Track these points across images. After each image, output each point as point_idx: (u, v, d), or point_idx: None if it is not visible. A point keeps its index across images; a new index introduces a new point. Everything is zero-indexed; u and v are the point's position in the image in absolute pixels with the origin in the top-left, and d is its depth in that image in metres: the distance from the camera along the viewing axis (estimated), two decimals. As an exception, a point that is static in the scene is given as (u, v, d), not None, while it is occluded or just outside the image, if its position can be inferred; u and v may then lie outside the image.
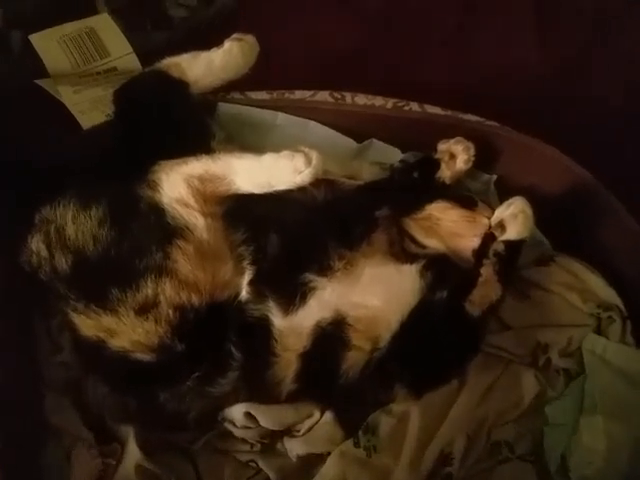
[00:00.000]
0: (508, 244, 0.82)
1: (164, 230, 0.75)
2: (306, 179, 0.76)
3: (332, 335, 0.77)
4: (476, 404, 0.85)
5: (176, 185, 0.76)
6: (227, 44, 0.87)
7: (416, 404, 0.83)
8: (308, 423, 0.82)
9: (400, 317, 0.78)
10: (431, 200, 0.91)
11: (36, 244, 0.77)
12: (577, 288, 0.93)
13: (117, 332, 0.73)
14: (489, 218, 0.88)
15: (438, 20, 1.28)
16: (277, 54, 1.11)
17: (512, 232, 0.82)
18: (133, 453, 0.77)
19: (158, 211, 0.76)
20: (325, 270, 0.79)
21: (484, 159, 0.96)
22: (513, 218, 0.82)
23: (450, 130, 0.97)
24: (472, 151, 0.93)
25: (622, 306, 0.91)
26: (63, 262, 0.74)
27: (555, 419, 0.86)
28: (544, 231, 0.97)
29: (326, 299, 0.78)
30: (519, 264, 0.89)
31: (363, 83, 1.04)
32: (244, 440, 0.83)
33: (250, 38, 0.88)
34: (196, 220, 0.75)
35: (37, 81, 0.92)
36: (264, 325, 0.77)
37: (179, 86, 0.86)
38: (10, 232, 0.80)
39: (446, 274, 0.81)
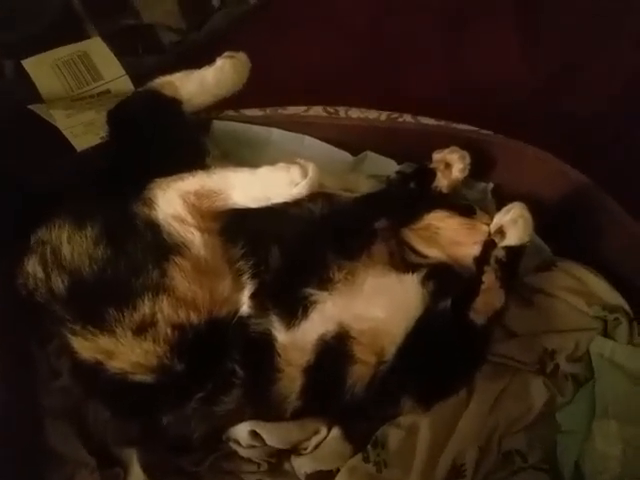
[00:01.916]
0: (509, 250, 0.81)
1: (160, 247, 0.74)
2: (303, 191, 0.75)
3: (336, 349, 0.76)
4: (486, 414, 0.83)
5: (172, 201, 0.76)
6: (219, 61, 0.88)
7: (425, 416, 0.82)
8: (315, 440, 0.81)
9: (404, 329, 0.77)
10: (429, 210, 0.91)
11: (32, 266, 0.76)
12: (581, 292, 0.92)
13: (115, 353, 0.72)
14: (488, 225, 0.88)
15: (423, 37, 1.30)
16: (268, 73, 1.11)
17: (512, 237, 0.81)
18: (137, 478, 0.76)
19: (154, 228, 0.75)
20: (326, 283, 0.78)
21: (480, 168, 0.96)
22: (513, 223, 0.82)
23: (444, 140, 0.97)
24: (467, 159, 0.93)
25: (627, 307, 0.90)
26: (59, 283, 0.73)
27: (567, 426, 0.85)
28: (544, 237, 0.97)
29: (328, 312, 0.77)
30: (521, 271, 0.88)
31: (354, 100, 1.04)
32: (250, 460, 0.81)
33: (242, 55, 0.89)
34: (193, 236, 0.74)
35: (31, 106, 0.92)
36: (267, 340, 0.75)
37: (172, 104, 0.86)
38: (6, 255, 0.79)
39: (448, 282, 0.80)
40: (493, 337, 0.85)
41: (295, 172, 0.74)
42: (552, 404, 0.86)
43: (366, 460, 0.80)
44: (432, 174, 0.94)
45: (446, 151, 0.94)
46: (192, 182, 0.77)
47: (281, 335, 0.76)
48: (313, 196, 0.97)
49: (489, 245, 0.83)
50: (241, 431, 0.79)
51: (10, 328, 0.81)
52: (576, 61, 1.27)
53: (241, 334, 0.75)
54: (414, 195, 0.94)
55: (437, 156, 0.94)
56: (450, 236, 0.89)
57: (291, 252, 0.81)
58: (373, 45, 1.28)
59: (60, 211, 0.78)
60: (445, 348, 0.76)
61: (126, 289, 0.72)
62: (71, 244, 0.74)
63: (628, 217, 0.91)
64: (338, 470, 0.80)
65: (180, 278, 0.73)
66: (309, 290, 0.77)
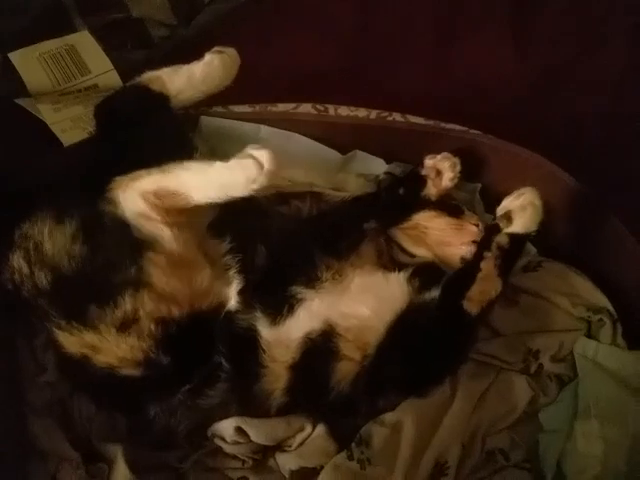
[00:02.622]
0: (513, 237, 0.78)
1: (133, 243, 0.73)
2: (263, 183, 0.71)
3: (322, 346, 0.76)
4: (469, 412, 0.84)
5: (133, 201, 0.74)
6: (208, 56, 0.87)
7: (409, 413, 0.82)
8: (300, 437, 0.81)
9: (387, 324, 0.77)
10: (418, 210, 0.91)
11: (17, 261, 0.75)
12: (566, 292, 0.92)
13: (101, 348, 0.71)
14: (477, 226, 0.89)
15: (413, 36, 1.30)
16: (257, 71, 1.11)
17: (519, 224, 0.79)
18: (122, 474, 0.75)
19: (124, 226, 0.74)
20: (313, 282, 0.79)
21: (468, 168, 0.96)
22: (522, 210, 0.79)
23: (433, 139, 0.98)
24: (458, 167, 0.93)
25: (612, 308, 0.90)
26: (43, 278, 0.73)
27: (549, 425, 0.85)
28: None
29: (315, 310, 0.77)
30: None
31: (344, 99, 1.03)
32: (235, 457, 0.81)
33: (231, 51, 0.88)
34: (162, 232, 0.74)
35: (17, 100, 0.91)
36: (252, 335, 0.76)
37: (160, 99, 0.85)
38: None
39: (435, 279, 0.80)
40: (478, 331, 0.85)
41: (250, 169, 0.70)
42: (535, 404, 0.87)
43: (350, 458, 0.80)
44: (422, 181, 0.93)
45: (438, 157, 0.93)
46: (149, 182, 0.75)
47: (265, 331, 0.76)
48: (301, 194, 0.98)
49: (492, 230, 0.81)
50: (226, 427, 0.79)
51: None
52: (567, 61, 1.27)
53: (228, 328, 0.75)
54: (403, 201, 0.94)
55: (429, 162, 0.94)
56: (438, 236, 0.89)
57: (278, 250, 0.81)
58: (361, 43, 1.27)
59: (44, 205, 0.77)
60: (430, 337, 0.76)
61: (106, 286, 0.72)
62: (52, 240, 0.74)
63: (615, 218, 0.92)
64: (322, 467, 0.80)
65: (157, 273, 0.72)
66: (296, 288, 0.78)
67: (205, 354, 0.74)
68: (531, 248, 0.97)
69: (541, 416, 0.86)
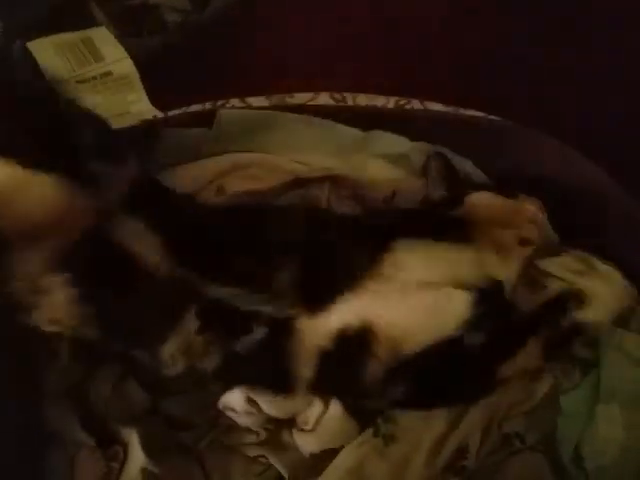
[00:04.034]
0: (579, 326, 0.75)
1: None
2: None
3: (355, 342, 0.73)
4: (494, 399, 0.82)
5: None
6: None
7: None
8: (313, 415, 0.80)
9: (429, 340, 0.73)
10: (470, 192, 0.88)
11: None
12: (592, 277, 0.88)
13: None
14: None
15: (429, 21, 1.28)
16: (273, 58, 1.11)
17: (596, 311, 0.75)
18: (138, 456, 0.76)
19: None
20: (354, 281, 0.74)
21: (488, 153, 0.96)
22: (605, 294, 0.76)
23: (454, 126, 0.97)
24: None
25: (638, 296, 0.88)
26: None
27: (570, 409, 0.84)
28: (553, 224, 0.94)
29: (355, 308, 0.74)
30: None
31: (362, 86, 1.03)
32: (249, 430, 0.81)
33: None
34: None
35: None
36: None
37: None
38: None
39: (495, 313, 0.76)
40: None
41: None
42: (556, 389, 0.85)
43: (375, 434, 0.79)
44: None
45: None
46: None
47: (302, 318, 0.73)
48: (319, 179, 0.97)
49: (555, 307, 0.77)
50: (237, 398, 0.79)
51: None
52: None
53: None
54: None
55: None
56: (494, 217, 0.84)
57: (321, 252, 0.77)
58: (378, 27, 1.26)
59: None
60: (455, 373, 0.75)
61: None
62: None
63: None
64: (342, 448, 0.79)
65: None
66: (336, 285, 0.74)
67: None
68: (554, 236, 0.96)
69: (562, 400, 0.85)
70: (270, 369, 0.75)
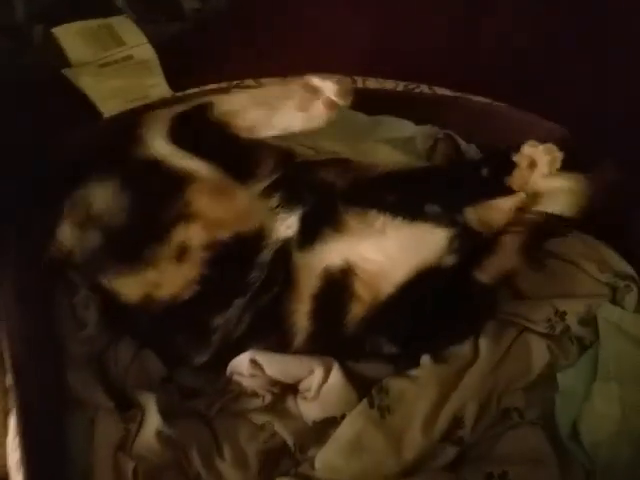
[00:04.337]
0: (548, 217, 0.77)
1: (175, 180, 0.79)
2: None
3: (339, 282, 0.78)
4: (488, 372, 0.84)
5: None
6: None
7: (430, 371, 0.83)
8: (315, 382, 0.83)
9: (408, 275, 0.77)
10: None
11: (68, 229, 0.81)
12: (594, 259, 0.92)
13: (162, 283, 0.78)
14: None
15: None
16: (289, 43, 1.13)
17: (558, 204, 0.77)
18: (154, 419, 0.80)
19: (161, 167, 0.79)
20: (339, 225, 0.80)
21: (495, 139, 0.98)
22: (565, 191, 0.77)
23: (462, 111, 0.99)
24: (557, 164, 0.83)
25: (637, 277, 0.91)
26: (96, 237, 0.79)
27: (567, 386, 0.86)
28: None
29: (335, 247, 0.79)
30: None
31: (372, 71, 1.06)
32: (256, 395, 0.84)
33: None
34: (196, 164, 0.79)
35: (63, 71, 0.97)
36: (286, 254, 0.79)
37: None
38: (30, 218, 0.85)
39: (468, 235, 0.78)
40: (496, 296, 0.85)
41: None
42: (554, 366, 0.87)
43: (371, 405, 0.81)
44: (510, 167, 0.85)
45: (540, 148, 0.84)
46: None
47: (296, 254, 0.79)
48: (326, 163, 1.00)
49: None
50: (243, 361, 0.83)
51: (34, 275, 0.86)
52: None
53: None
54: (483, 184, 0.86)
55: (527, 149, 0.85)
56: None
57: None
58: (392, 13, 1.28)
59: (88, 171, 0.83)
60: (440, 299, 0.77)
61: (158, 225, 0.78)
62: (100, 199, 0.80)
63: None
64: (343, 416, 0.82)
65: (200, 202, 0.78)
66: (324, 228, 0.80)
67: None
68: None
69: (559, 377, 0.86)
70: (270, 320, 0.81)
